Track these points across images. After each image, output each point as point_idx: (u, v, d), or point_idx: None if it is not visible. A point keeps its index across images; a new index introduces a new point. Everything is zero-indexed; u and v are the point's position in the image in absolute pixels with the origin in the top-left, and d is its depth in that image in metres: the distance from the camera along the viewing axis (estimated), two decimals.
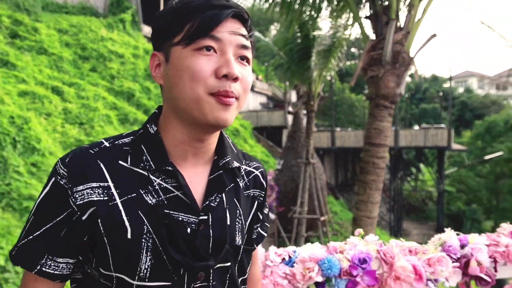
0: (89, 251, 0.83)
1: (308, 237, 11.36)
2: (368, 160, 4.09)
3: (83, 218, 0.79)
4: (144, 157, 0.84)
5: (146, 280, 0.81)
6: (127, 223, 0.80)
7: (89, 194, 0.79)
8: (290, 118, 18.95)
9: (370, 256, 1.65)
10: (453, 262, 1.70)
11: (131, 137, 0.87)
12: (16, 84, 9.73)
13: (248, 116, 19.00)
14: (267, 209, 1.13)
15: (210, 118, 0.80)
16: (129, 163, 0.84)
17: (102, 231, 0.79)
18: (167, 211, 0.82)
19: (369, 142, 4.13)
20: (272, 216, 11.04)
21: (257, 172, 1.04)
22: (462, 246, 1.80)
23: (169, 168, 0.83)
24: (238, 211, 0.94)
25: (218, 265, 0.88)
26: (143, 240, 0.80)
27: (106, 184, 0.81)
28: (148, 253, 0.80)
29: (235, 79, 0.80)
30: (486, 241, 1.80)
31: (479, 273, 1.71)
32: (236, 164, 0.94)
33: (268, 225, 1.13)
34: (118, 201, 0.80)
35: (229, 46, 0.81)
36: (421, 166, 25.81)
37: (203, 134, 0.85)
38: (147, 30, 16.75)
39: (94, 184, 0.80)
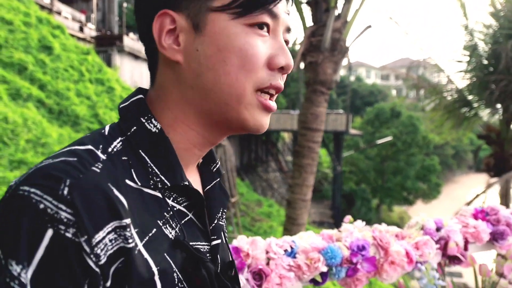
0: None
1: None
2: (304, 145, 4.18)
3: (108, 284, 0.49)
4: (150, 169, 0.58)
5: None
6: (157, 277, 0.53)
7: (113, 242, 0.50)
8: None
9: (368, 242, 1.67)
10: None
11: (120, 139, 0.59)
12: None
13: None
14: None
15: (251, 124, 0.61)
16: (138, 182, 0.57)
17: None
18: (192, 243, 0.60)
19: (305, 126, 4.21)
20: None
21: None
22: (438, 229, 1.91)
23: (187, 183, 0.61)
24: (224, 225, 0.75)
25: None
26: None
27: (128, 220, 0.52)
28: None
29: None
30: (458, 224, 1.94)
31: (456, 253, 1.83)
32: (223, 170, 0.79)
33: None
34: (140, 245, 0.53)
35: (282, 28, 0.62)
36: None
37: (222, 136, 0.65)
38: None
39: (117, 223, 0.50)
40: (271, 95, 0.62)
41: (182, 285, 0.56)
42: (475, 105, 8.46)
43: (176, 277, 0.56)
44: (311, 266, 1.56)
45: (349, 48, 4.19)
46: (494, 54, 7.60)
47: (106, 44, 15.10)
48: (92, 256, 0.47)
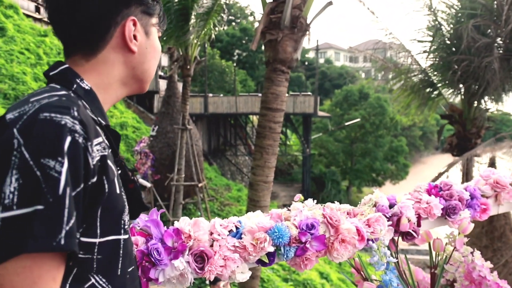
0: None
1: (186, 204, 11.28)
2: (265, 125, 4.10)
3: (94, 180, 0.74)
4: (89, 112, 0.82)
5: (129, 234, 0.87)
6: (116, 179, 0.80)
7: (99, 150, 0.75)
8: (161, 82, 18.24)
9: (317, 221, 1.61)
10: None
11: (69, 92, 0.82)
12: None
13: None
14: None
15: (146, 88, 1.01)
16: (93, 116, 0.83)
17: (106, 190, 0.76)
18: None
19: (266, 106, 4.13)
20: (147, 184, 10.65)
21: None
22: (391, 206, 1.87)
23: (108, 124, 0.88)
24: None
25: None
26: (123, 193, 0.83)
27: (101, 138, 0.78)
28: (126, 206, 0.85)
29: None
30: (411, 200, 1.90)
31: (409, 229, 1.79)
32: None
33: None
34: (108, 154, 0.79)
35: None
36: (288, 131, 27.49)
37: (125, 96, 0.99)
38: None
39: (100, 139, 0.77)
40: None
41: (122, 187, 0.82)
42: (439, 85, 8.57)
43: (120, 180, 0.83)
44: (257, 247, 1.48)
45: (309, 25, 4.10)
46: (456, 34, 7.67)
47: None
48: (90, 157, 0.72)
